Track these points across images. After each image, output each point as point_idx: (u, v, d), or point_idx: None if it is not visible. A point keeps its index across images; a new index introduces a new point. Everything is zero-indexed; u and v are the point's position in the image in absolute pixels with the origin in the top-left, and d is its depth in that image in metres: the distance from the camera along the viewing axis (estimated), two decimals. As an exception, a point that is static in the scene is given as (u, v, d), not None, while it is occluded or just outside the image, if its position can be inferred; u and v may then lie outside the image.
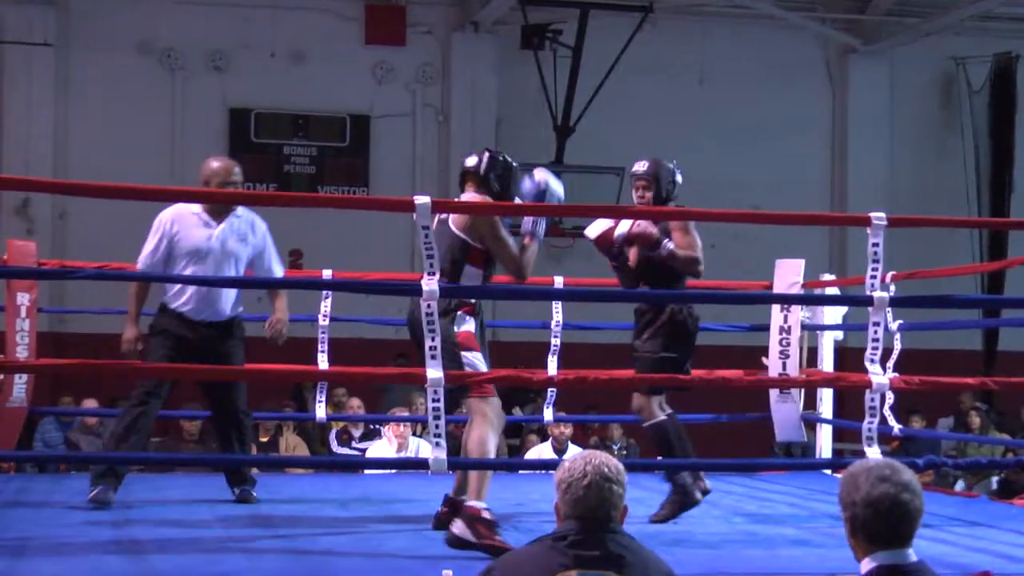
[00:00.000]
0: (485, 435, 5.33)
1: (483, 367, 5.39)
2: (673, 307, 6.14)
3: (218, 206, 6.19)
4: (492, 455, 5.36)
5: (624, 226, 6.10)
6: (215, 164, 6.37)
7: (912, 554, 2.99)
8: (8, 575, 4.42)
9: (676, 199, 6.30)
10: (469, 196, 5.52)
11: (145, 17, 13.59)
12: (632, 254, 6.15)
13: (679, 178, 6.30)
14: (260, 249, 6.33)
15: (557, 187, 5.60)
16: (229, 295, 6.16)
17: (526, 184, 5.55)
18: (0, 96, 13.13)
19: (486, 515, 5.11)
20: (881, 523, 2.95)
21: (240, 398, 6.36)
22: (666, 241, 6.05)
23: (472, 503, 5.18)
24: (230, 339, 6.22)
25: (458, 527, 5.10)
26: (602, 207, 12.20)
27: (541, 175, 5.60)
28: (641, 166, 6.26)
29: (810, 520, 6.24)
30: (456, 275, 5.43)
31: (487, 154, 5.56)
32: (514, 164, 5.59)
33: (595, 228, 6.23)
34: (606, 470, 3.25)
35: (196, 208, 6.22)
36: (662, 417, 6.10)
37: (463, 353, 5.36)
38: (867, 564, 2.99)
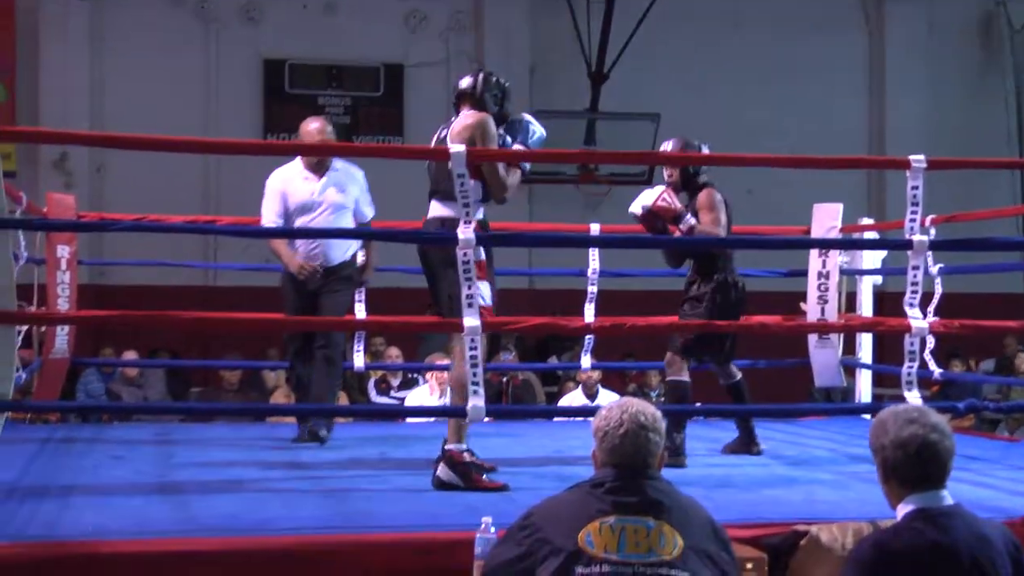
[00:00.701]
0: (466, 375, 5.35)
1: (488, 297, 5.40)
2: (718, 277, 6.32)
3: (316, 162, 6.75)
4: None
5: (649, 199, 6.24)
6: (312, 126, 6.84)
7: (947, 496, 2.99)
8: (55, 522, 4.48)
9: (705, 173, 6.39)
10: (465, 114, 5.54)
11: (178, -31, 13.57)
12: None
13: (706, 152, 6.40)
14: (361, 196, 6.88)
15: (539, 127, 5.66)
16: (334, 242, 6.74)
17: (514, 119, 5.61)
18: (37, 50, 13.15)
19: (467, 456, 5.31)
20: (912, 464, 2.96)
21: (326, 337, 6.69)
22: (688, 216, 6.22)
23: (452, 446, 5.33)
24: (335, 281, 6.77)
25: (443, 471, 5.30)
26: (634, 153, 12.16)
27: (525, 115, 5.69)
28: (667, 145, 6.41)
29: (849, 465, 6.24)
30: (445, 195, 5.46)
31: (481, 74, 5.64)
32: (507, 84, 5.64)
33: (639, 203, 6.32)
34: (642, 418, 3.25)
35: (299, 166, 6.81)
36: (685, 378, 6.27)
37: (467, 281, 5.34)
38: (902, 509, 2.99)
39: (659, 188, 6.32)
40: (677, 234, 6.29)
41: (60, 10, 13.08)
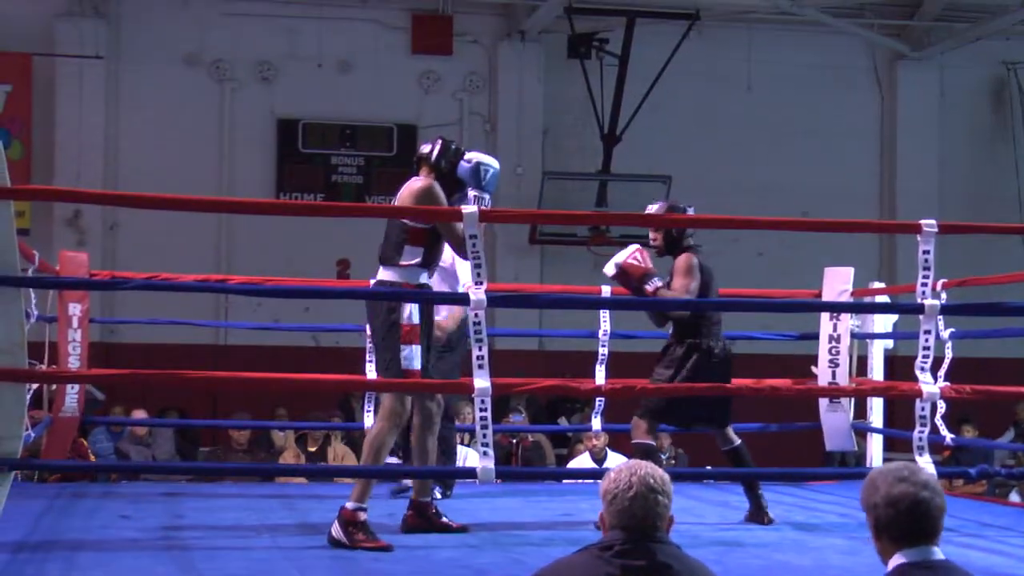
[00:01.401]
0: (383, 435, 5.53)
1: (418, 361, 5.54)
2: (691, 342, 6.21)
3: None
4: (384, 456, 5.59)
5: (620, 257, 6.16)
6: None
7: (938, 552, 2.98)
8: (60, 583, 4.46)
9: (691, 236, 6.31)
10: (413, 180, 5.75)
11: (194, 29, 13.68)
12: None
13: (691, 213, 6.32)
14: None
15: (490, 161, 5.76)
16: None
17: (462, 166, 5.72)
18: (52, 109, 13.24)
19: (361, 516, 5.34)
20: (903, 521, 2.95)
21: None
22: (655, 279, 6.12)
23: (349, 505, 5.38)
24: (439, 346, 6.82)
25: (335, 529, 5.35)
26: (645, 215, 12.16)
27: (472, 154, 5.79)
28: (651, 208, 6.36)
29: (860, 530, 6.15)
30: (397, 255, 5.62)
31: (440, 141, 5.83)
32: (463, 151, 5.81)
33: (613, 261, 6.22)
34: (651, 481, 3.22)
35: None
36: (649, 441, 6.19)
37: (402, 345, 5.52)
38: (892, 563, 2.99)
39: (632, 247, 6.25)
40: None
41: (76, 68, 13.19)
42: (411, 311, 5.53)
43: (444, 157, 5.74)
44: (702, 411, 6.34)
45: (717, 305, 6.33)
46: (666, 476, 3.26)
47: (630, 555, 3.15)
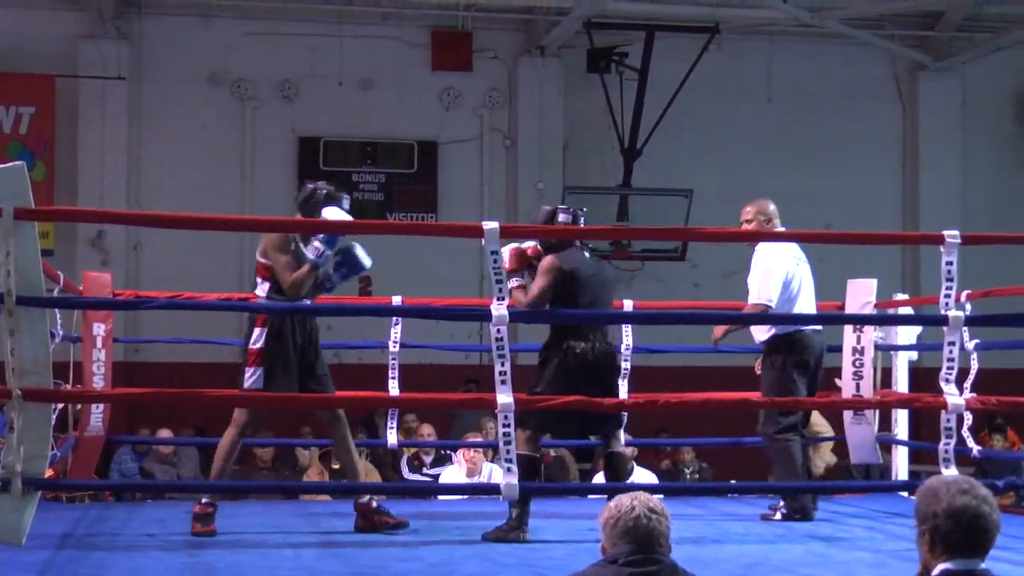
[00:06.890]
0: (229, 441, 6.10)
1: (262, 382, 5.99)
2: (551, 343, 6.14)
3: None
4: (231, 460, 6.15)
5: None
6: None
7: (981, 564, 2.98)
8: (85, 603, 4.47)
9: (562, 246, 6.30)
10: None
11: (215, 49, 13.73)
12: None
13: (564, 219, 6.34)
14: None
15: (335, 213, 6.25)
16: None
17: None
18: (75, 130, 13.30)
19: (208, 510, 6.00)
20: (962, 534, 2.97)
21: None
22: (513, 279, 6.14)
23: (205, 500, 6.04)
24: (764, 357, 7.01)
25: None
26: (666, 229, 12.17)
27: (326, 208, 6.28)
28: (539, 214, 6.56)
29: (887, 543, 6.16)
30: (254, 288, 6.29)
31: (308, 187, 6.46)
32: (322, 192, 6.42)
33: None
34: (651, 504, 3.39)
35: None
36: (531, 453, 6.01)
37: (246, 368, 6.05)
38: (937, 570, 2.98)
39: (512, 246, 6.26)
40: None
41: (99, 89, 13.24)
42: (258, 335, 6.01)
43: (299, 203, 6.39)
44: (574, 418, 6.19)
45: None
46: (662, 504, 3.40)
47: (639, 564, 3.27)
